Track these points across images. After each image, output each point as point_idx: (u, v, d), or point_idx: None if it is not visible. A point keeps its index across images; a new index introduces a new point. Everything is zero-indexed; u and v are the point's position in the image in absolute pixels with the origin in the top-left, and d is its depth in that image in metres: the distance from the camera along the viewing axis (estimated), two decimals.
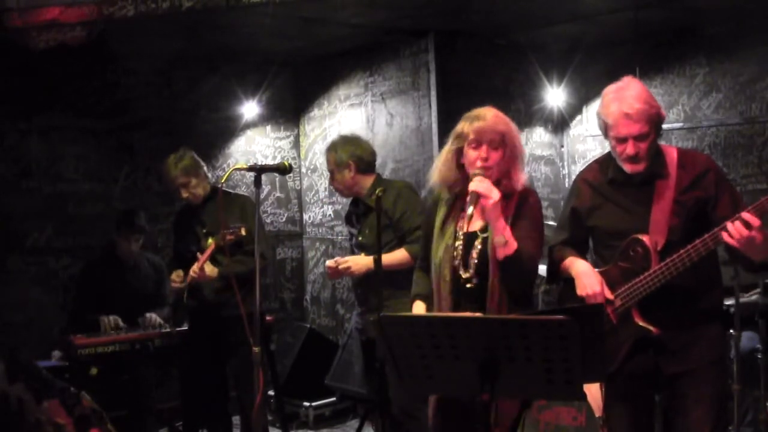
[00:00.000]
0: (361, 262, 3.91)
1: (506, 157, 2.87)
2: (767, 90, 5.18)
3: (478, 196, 2.75)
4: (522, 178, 2.91)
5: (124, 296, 4.93)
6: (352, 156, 4.04)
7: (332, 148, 4.13)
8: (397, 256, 3.89)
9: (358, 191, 4.09)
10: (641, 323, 2.77)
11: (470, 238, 2.91)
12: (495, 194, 2.75)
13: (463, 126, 2.91)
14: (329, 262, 3.99)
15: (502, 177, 2.89)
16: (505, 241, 2.76)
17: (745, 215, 2.54)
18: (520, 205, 2.88)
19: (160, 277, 5.13)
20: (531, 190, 2.98)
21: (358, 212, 4.14)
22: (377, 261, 3.70)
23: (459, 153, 2.92)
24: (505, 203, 2.86)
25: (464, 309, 2.87)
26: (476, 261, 2.87)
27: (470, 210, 2.79)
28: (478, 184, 2.76)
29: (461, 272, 2.88)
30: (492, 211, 2.76)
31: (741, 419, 4.03)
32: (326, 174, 6.24)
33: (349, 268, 3.89)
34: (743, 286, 4.03)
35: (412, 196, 4.06)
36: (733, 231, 2.56)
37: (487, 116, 2.89)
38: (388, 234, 3.93)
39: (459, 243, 2.92)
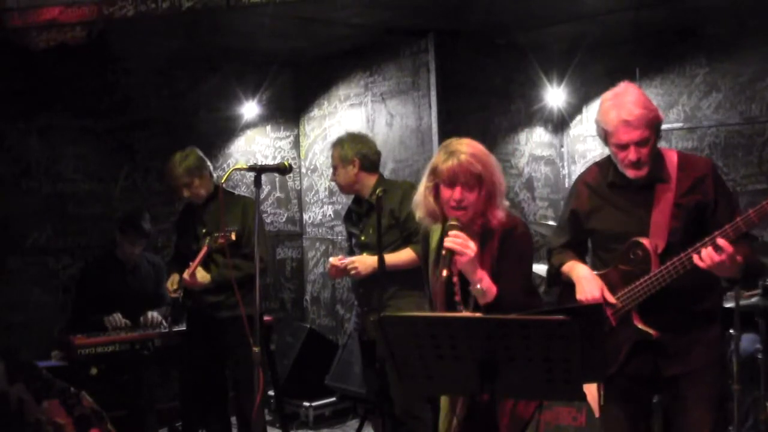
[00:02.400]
0: (368, 261, 3.89)
1: (482, 197, 2.73)
2: (767, 90, 5.17)
3: (452, 253, 2.66)
4: (499, 215, 2.77)
5: (124, 297, 4.93)
6: (357, 153, 4.05)
7: (339, 144, 4.13)
8: (403, 256, 3.90)
9: (359, 189, 4.09)
10: (641, 326, 2.77)
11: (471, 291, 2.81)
12: (470, 250, 2.65)
13: (438, 161, 2.76)
14: (333, 260, 3.96)
15: (477, 217, 2.77)
16: (483, 291, 2.69)
17: (719, 241, 2.56)
18: (503, 241, 2.77)
19: (159, 276, 5.13)
20: (517, 221, 2.85)
21: (360, 211, 4.13)
22: (382, 260, 3.76)
23: (437, 188, 2.79)
24: (488, 241, 2.78)
25: None
26: (474, 299, 2.78)
27: (444, 268, 2.67)
28: (452, 242, 2.66)
29: (460, 307, 2.82)
30: (467, 265, 2.68)
31: (742, 423, 4.02)
32: (327, 174, 6.28)
33: (356, 268, 3.88)
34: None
35: None
36: (705, 256, 2.57)
37: (461, 156, 2.71)
38: (393, 234, 3.94)
39: (456, 278, 2.82)
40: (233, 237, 4.09)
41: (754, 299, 4.02)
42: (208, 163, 4.49)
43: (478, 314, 2.79)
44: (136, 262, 5.05)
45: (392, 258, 3.88)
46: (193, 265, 4.19)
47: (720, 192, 2.79)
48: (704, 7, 4.96)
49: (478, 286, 2.69)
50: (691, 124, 5.52)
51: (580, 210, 2.97)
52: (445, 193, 2.75)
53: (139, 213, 5.03)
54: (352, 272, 3.90)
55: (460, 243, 2.65)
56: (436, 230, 2.92)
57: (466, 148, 2.75)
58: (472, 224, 2.78)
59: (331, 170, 4.24)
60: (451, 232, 2.68)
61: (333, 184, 6.13)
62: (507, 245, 2.77)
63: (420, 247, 3.69)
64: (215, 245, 4.10)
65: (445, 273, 2.67)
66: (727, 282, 2.86)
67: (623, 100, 2.74)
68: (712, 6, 4.95)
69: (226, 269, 4.10)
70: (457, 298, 2.82)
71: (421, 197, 2.84)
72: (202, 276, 4.22)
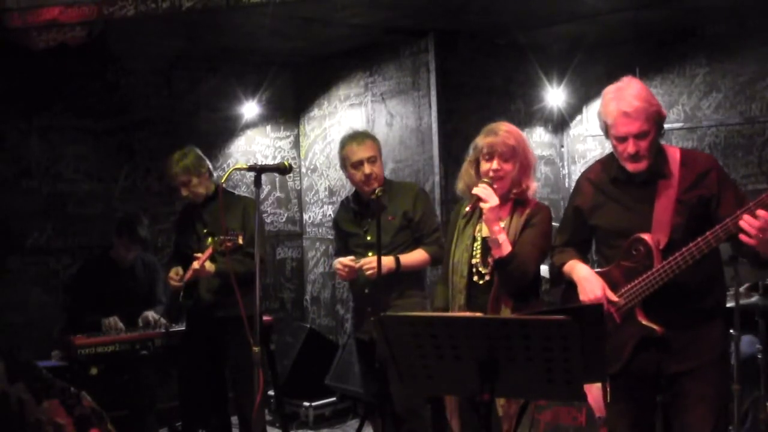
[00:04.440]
0: (383, 261, 3.84)
1: (517, 169, 3.15)
2: (767, 90, 5.18)
3: (477, 199, 3.07)
4: (533, 185, 3.22)
5: (119, 297, 4.93)
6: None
7: (373, 136, 4.12)
8: (417, 256, 3.90)
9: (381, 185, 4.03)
10: (645, 322, 2.77)
11: (488, 241, 3.16)
12: (493, 200, 3.06)
13: (479, 139, 3.21)
14: (345, 260, 3.90)
15: (514, 186, 3.18)
16: (500, 243, 3.06)
17: (759, 212, 2.53)
18: (531, 216, 3.17)
19: (153, 276, 5.13)
20: (544, 205, 3.25)
21: (366, 211, 4.07)
22: (398, 260, 3.83)
23: (477, 163, 3.22)
24: (519, 210, 3.19)
25: (477, 302, 3.14)
26: (494, 261, 3.13)
27: (466, 208, 3.14)
28: (480, 190, 3.08)
29: (480, 268, 3.18)
30: (488, 213, 3.06)
31: (741, 423, 4.02)
32: (326, 174, 6.28)
33: (372, 268, 3.78)
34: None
35: (428, 198, 4.13)
36: (747, 227, 2.54)
37: (499, 132, 3.18)
38: (404, 234, 3.94)
39: (477, 244, 3.21)
40: (240, 241, 4.07)
41: (754, 299, 4.02)
42: (208, 162, 4.48)
43: (478, 314, 2.83)
44: (130, 262, 5.05)
45: (407, 258, 3.87)
46: (202, 257, 4.18)
47: (724, 186, 2.79)
48: (704, 7, 4.96)
49: (496, 237, 3.06)
50: (691, 124, 5.52)
51: (584, 206, 2.99)
52: (484, 165, 3.17)
53: (137, 218, 5.01)
54: (368, 272, 3.84)
55: (486, 193, 3.06)
56: (463, 210, 3.28)
57: (504, 126, 3.23)
58: (509, 193, 3.19)
59: (338, 169, 4.16)
60: (482, 184, 3.11)
61: (333, 183, 6.19)
62: (534, 220, 3.17)
63: (432, 248, 3.91)
64: (221, 248, 4.08)
65: (468, 208, 3.13)
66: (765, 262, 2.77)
67: (624, 93, 2.76)
68: (712, 6, 4.95)
69: (231, 262, 4.08)
70: (476, 260, 3.18)
71: (463, 171, 3.29)
72: (209, 265, 4.22)
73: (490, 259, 3.14)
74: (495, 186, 3.12)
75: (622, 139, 2.76)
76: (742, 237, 2.57)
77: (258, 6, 4.41)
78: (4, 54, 4.92)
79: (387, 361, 2.27)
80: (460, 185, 3.31)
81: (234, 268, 3.92)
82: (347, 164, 4.00)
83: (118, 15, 4.39)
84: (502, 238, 3.07)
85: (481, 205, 3.06)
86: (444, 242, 3.71)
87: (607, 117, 2.79)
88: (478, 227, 3.23)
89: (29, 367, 3.54)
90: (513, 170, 3.15)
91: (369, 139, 4.05)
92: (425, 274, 4.19)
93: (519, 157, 3.15)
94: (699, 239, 2.64)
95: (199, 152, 4.47)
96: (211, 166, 4.52)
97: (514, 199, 3.21)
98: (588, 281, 2.85)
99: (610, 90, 2.83)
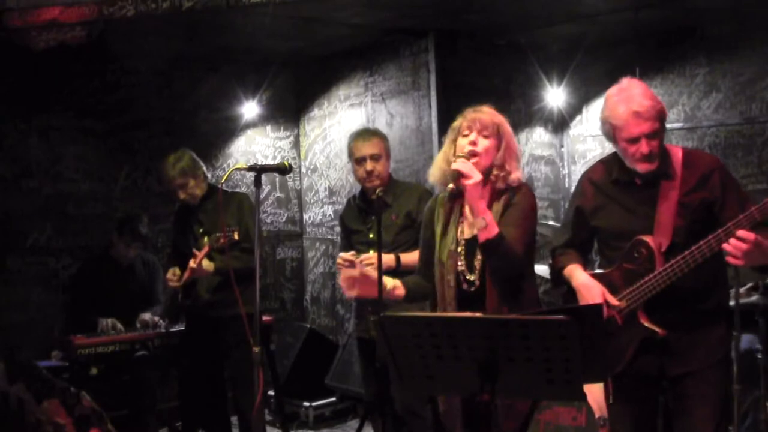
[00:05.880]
0: (384, 258, 3.84)
1: (501, 149, 2.90)
2: (767, 90, 5.17)
3: (459, 175, 2.80)
4: (518, 174, 2.92)
5: (118, 295, 4.94)
6: (389, 149, 4.08)
7: (382, 135, 4.10)
8: (417, 256, 3.89)
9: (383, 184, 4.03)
10: (647, 324, 2.76)
11: (473, 243, 2.93)
12: (476, 176, 2.77)
13: (458, 120, 2.98)
14: (346, 255, 3.91)
15: (495, 168, 2.90)
16: (485, 223, 2.78)
17: (740, 233, 2.54)
18: (512, 195, 2.91)
19: (153, 276, 5.14)
20: (524, 184, 2.98)
21: (371, 209, 4.07)
22: (398, 258, 3.82)
23: (455, 146, 2.95)
24: (505, 197, 2.90)
25: (468, 311, 2.91)
26: (480, 264, 2.89)
27: (450, 185, 2.89)
28: (460, 164, 2.80)
29: (467, 275, 2.92)
30: (472, 191, 2.79)
31: (741, 421, 4.02)
32: (326, 174, 6.28)
33: (372, 264, 3.79)
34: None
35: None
36: (732, 250, 2.55)
37: (484, 108, 2.96)
38: (406, 234, 3.95)
39: (461, 248, 2.96)
40: (236, 236, 4.08)
41: (754, 298, 4.02)
42: (202, 164, 4.50)
43: (478, 314, 2.81)
44: (130, 260, 5.06)
45: (407, 258, 3.87)
46: (199, 256, 4.19)
47: (728, 187, 2.76)
48: (704, 7, 4.96)
49: (482, 216, 2.78)
50: (691, 124, 5.52)
51: (585, 207, 2.96)
52: (461, 141, 2.91)
53: (138, 217, 5.05)
54: (367, 267, 3.84)
55: (467, 167, 2.78)
56: (441, 205, 3.05)
57: (487, 107, 2.98)
58: (487, 175, 2.89)
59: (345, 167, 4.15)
60: (460, 159, 2.82)
61: (333, 183, 6.19)
62: (516, 199, 2.90)
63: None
64: (217, 245, 4.10)
65: (450, 186, 2.89)
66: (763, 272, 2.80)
67: (631, 93, 2.73)
68: (712, 6, 4.94)
69: (229, 259, 4.09)
70: (462, 267, 2.93)
71: (441, 156, 2.99)
72: (207, 264, 4.23)
73: (479, 257, 2.90)
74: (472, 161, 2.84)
75: (634, 141, 2.71)
76: (730, 260, 2.58)
77: (258, 6, 4.41)
78: (4, 54, 4.92)
79: (387, 361, 2.27)
80: (434, 172, 3.01)
81: (231, 265, 3.92)
82: (352, 159, 4.07)
83: (118, 15, 4.39)
84: (489, 217, 2.79)
85: (464, 181, 2.78)
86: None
87: (616, 119, 2.73)
88: (459, 229, 2.98)
89: (29, 367, 3.54)
90: (493, 149, 2.88)
91: (376, 137, 4.06)
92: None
93: (504, 138, 2.90)
94: (701, 242, 2.63)
95: (193, 154, 4.48)
96: (204, 167, 4.53)
97: (498, 188, 2.92)
98: (587, 288, 2.83)
99: (613, 93, 2.79)
